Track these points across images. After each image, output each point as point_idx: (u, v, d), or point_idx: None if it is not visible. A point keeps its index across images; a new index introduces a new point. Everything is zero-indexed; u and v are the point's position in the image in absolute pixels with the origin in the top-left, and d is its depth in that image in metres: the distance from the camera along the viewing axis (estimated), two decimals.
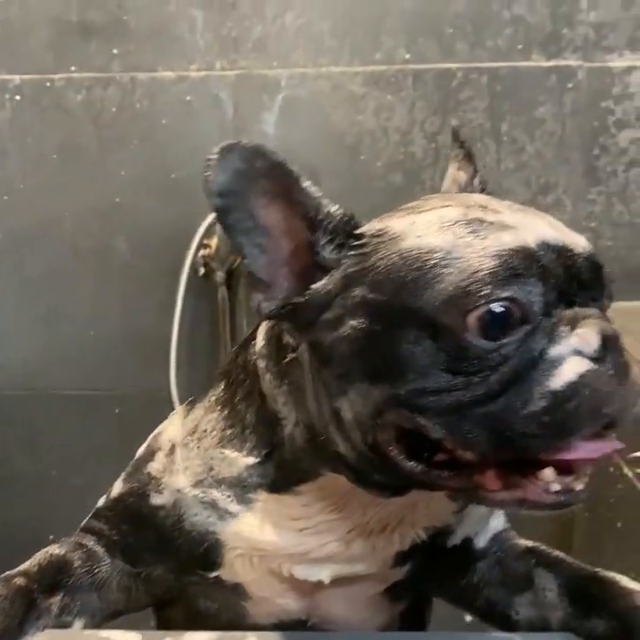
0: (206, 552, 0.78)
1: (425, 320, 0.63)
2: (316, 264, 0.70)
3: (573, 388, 0.61)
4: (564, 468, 0.63)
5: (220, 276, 1.62)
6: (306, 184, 0.70)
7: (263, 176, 0.68)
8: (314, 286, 0.70)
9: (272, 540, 0.76)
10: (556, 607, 0.77)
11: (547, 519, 1.70)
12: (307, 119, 1.58)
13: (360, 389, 0.66)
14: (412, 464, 0.65)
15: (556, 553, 0.82)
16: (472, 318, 0.62)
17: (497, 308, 0.62)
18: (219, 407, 0.79)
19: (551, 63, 1.52)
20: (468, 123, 1.55)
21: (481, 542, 0.81)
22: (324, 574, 0.76)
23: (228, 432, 0.78)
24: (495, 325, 0.62)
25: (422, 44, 1.53)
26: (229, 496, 0.77)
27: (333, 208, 0.70)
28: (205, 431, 0.79)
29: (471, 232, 0.65)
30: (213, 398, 0.80)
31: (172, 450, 0.81)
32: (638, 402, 0.64)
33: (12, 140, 1.60)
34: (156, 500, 0.79)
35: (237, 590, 0.80)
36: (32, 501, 1.76)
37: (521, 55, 1.53)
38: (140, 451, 0.85)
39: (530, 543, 0.83)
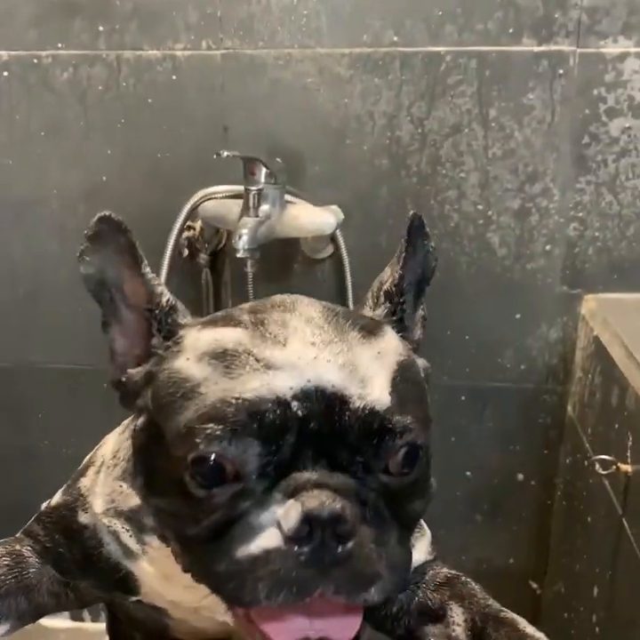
0: (124, 579, 0.78)
1: (169, 447, 0.63)
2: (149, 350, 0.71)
3: (254, 562, 0.59)
4: None
5: (203, 257, 1.62)
6: (146, 270, 0.71)
7: (124, 252, 0.71)
8: (130, 371, 0.72)
9: (163, 590, 0.76)
10: None
11: (526, 504, 1.71)
12: (292, 101, 1.56)
13: (136, 484, 0.70)
14: (179, 560, 0.67)
15: (472, 586, 0.82)
16: (189, 460, 0.61)
17: (209, 458, 0.60)
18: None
19: (542, 48, 1.48)
20: (455, 108, 1.52)
21: None
22: (227, 617, 0.75)
23: (130, 465, 0.76)
24: (207, 474, 0.61)
25: (410, 26, 1.50)
26: (128, 531, 0.77)
27: (165, 297, 0.71)
28: (119, 458, 0.79)
29: (226, 367, 0.63)
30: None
31: (100, 468, 0.81)
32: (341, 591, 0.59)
33: None
34: (82, 518, 0.80)
35: (159, 611, 0.81)
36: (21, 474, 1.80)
37: (511, 39, 1.49)
38: (86, 458, 0.85)
39: (451, 573, 0.83)
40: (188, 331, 0.69)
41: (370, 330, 0.68)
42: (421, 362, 0.77)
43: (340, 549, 0.58)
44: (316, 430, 0.60)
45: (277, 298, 0.70)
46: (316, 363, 0.62)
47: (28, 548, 0.82)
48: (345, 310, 0.70)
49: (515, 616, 0.77)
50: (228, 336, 0.65)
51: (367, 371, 0.63)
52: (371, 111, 1.55)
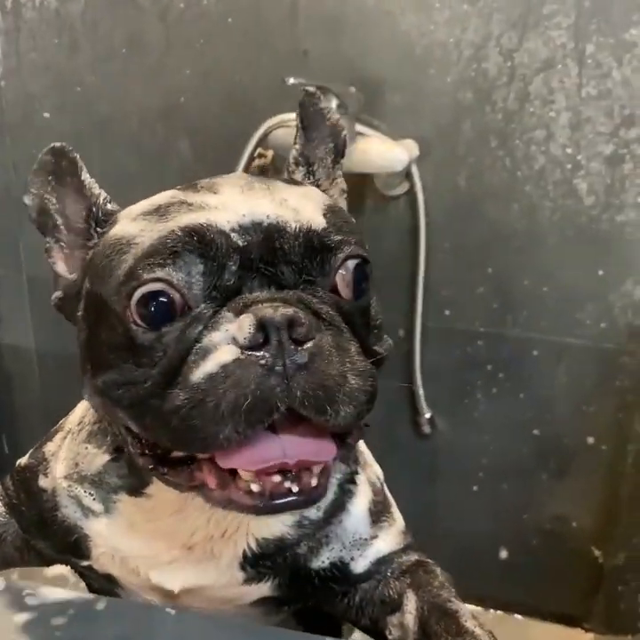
0: (76, 543, 0.79)
1: (110, 309, 0.62)
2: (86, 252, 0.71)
3: (213, 380, 0.56)
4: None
5: None
6: (85, 176, 0.73)
7: (63, 174, 0.72)
8: (70, 276, 0.72)
9: (127, 542, 0.76)
10: (413, 632, 0.74)
11: (595, 468, 1.62)
12: (375, 26, 1.47)
13: (87, 379, 0.67)
14: (144, 459, 0.65)
15: (433, 574, 0.80)
16: (133, 304, 0.60)
17: (152, 292, 0.59)
18: None
19: None
20: (549, 41, 1.40)
21: (359, 567, 0.79)
22: (175, 584, 0.76)
23: (96, 427, 0.78)
24: (154, 312, 0.59)
25: None
26: (92, 495, 0.77)
27: (103, 196, 0.73)
28: (85, 423, 0.80)
29: (161, 216, 0.63)
30: None
31: (67, 434, 0.82)
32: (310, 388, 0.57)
33: (83, 33, 1.60)
34: (42, 482, 0.81)
35: (110, 579, 0.81)
36: None
37: None
38: (61, 421, 0.87)
39: (413, 559, 0.80)
40: (121, 211, 0.71)
41: (293, 182, 0.73)
42: None
43: (298, 351, 0.57)
44: (258, 258, 0.61)
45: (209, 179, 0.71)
46: (249, 201, 0.64)
47: (0, 499, 0.86)
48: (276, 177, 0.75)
49: (461, 607, 0.73)
50: (160, 198, 0.67)
51: (298, 203, 0.66)
52: (457, 40, 1.45)
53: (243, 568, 0.76)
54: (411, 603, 0.76)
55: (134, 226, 0.64)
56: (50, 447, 0.83)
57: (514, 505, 1.68)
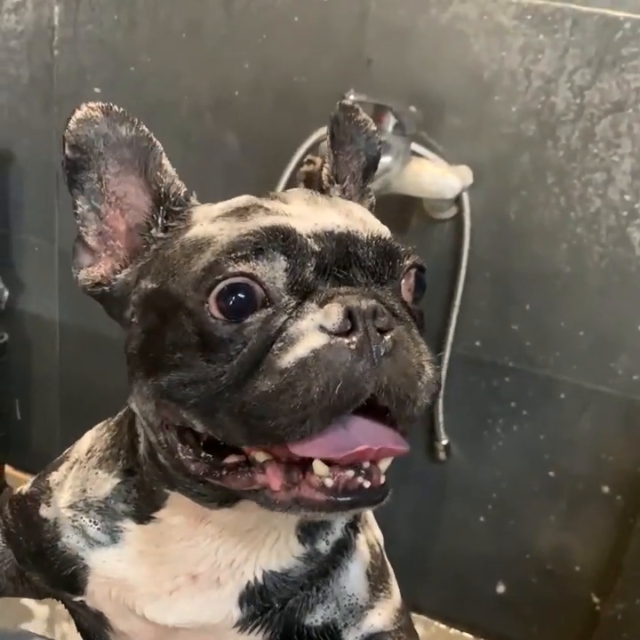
0: (73, 575, 0.77)
1: (182, 306, 0.62)
2: (144, 245, 0.69)
3: (303, 365, 0.57)
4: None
5: None
6: (165, 161, 0.71)
7: (126, 145, 0.69)
8: (119, 276, 0.70)
9: (131, 571, 0.74)
10: None
11: (606, 517, 1.59)
12: (444, 42, 1.42)
13: (138, 386, 0.66)
14: (196, 465, 0.63)
15: None
16: (212, 298, 0.60)
17: (234, 285, 0.60)
18: (114, 427, 0.78)
19: None
20: (623, 83, 1.35)
21: (351, 637, 0.76)
22: (170, 618, 0.73)
23: (108, 452, 0.77)
24: (235, 304, 0.60)
25: None
26: (97, 524, 0.75)
27: (182, 188, 0.71)
28: (95, 450, 0.78)
29: (240, 216, 0.64)
30: (118, 416, 0.78)
31: (74, 464, 0.80)
32: (403, 381, 0.58)
33: (144, 12, 1.55)
34: (43, 511, 0.79)
35: (101, 618, 0.79)
36: None
37: None
38: (65, 451, 0.84)
39: None
40: (197, 208, 0.70)
41: (347, 199, 0.74)
42: None
43: (383, 339, 0.58)
44: (332, 262, 0.62)
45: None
46: (318, 213, 0.65)
47: None
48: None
49: None
50: (238, 201, 0.67)
51: (362, 215, 0.68)
52: (528, 69, 1.40)
53: (241, 604, 0.74)
54: None
55: (214, 226, 0.65)
56: (54, 477, 0.81)
57: (518, 541, 1.67)
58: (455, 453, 1.64)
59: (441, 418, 1.60)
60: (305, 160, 1.49)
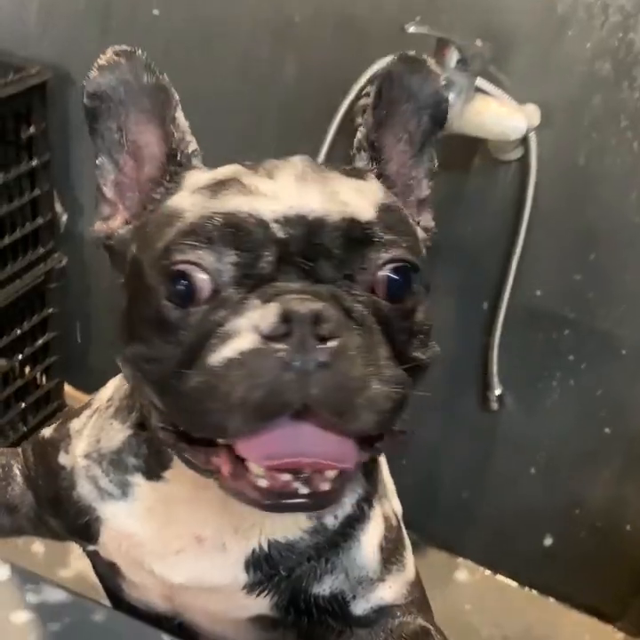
0: (87, 525, 0.77)
1: (146, 281, 0.61)
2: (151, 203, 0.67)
3: (228, 366, 0.55)
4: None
5: None
6: (179, 114, 0.69)
7: (147, 95, 0.67)
8: (121, 231, 0.68)
9: (139, 528, 0.74)
10: None
11: None
12: None
13: (120, 351, 0.65)
14: (165, 433, 0.63)
15: None
16: (165, 280, 0.59)
17: (182, 271, 0.58)
18: None
19: None
20: None
21: (359, 608, 0.75)
22: (178, 576, 0.73)
23: (124, 403, 0.76)
24: (184, 291, 0.58)
25: None
26: (108, 476, 0.75)
27: (192, 146, 0.69)
28: (114, 399, 0.77)
29: (213, 192, 0.61)
30: None
31: (95, 412, 0.79)
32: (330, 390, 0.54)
33: None
34: (62, 459, 0.79)
35: (114, 568, 0.79)
36: None
37: None
38: (89, 398, 0.84)
39: (417, 624, 0.75)
40: (191, 172, 0.67)
41: (353, 173, 0.67)
42: (425, 218, 0.74)
43: (321, 348, 0.54)
44: (296, 252, 0.59)
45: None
46: (300, 193, 0.61)
47: (19, 467, 0.84)
48: (337, 164, 0.69)
49: None
50: (224, 171, 0.65)
51: (348, 196, 0.62)
52: (606, 3, 1.29)
53: (247, 569, 0.73)
54: None
55: (190, 199, 0.63)
56: (75, 424, 0.81)
57: (568, 496, 1.62)
58: (509, 404, 1.59)
59: (495, 368, 1.55)
60: (363, 93, 1.43)
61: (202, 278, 0.58)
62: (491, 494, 1.70)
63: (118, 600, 0.84)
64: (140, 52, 0.67)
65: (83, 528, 0.77)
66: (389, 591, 0.76)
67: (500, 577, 1.75)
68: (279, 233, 0.58)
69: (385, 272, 0.60)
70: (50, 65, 1.62)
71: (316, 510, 0.60)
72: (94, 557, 0.82)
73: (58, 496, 0.79)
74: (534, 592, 1.74)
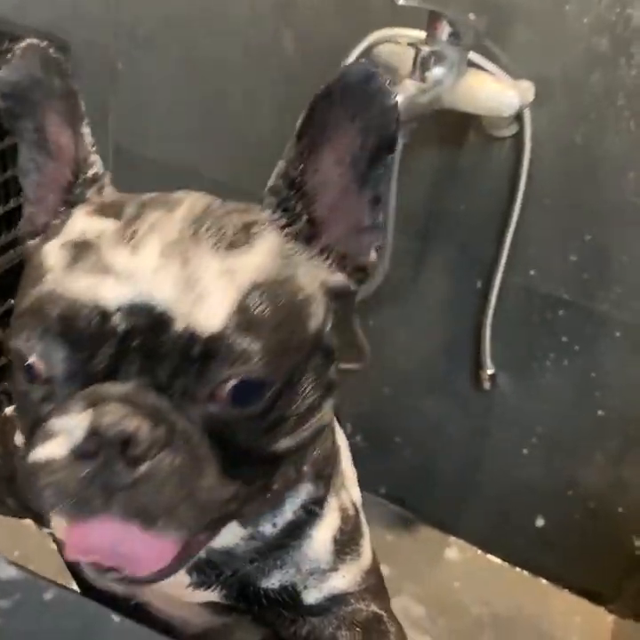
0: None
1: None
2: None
3: (38, 467, 0.56)
4: None
5: None
6: (85, 129, 0.66)
7: (58, 97, 0.64)
8: (29, 243, 0.67)
9: None
10: None
11: None
12: None
13: None
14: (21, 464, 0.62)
15: (389, 637, 0.75)
16: (14, 353, 0.58)
17: (21, 352, 0.58)
18: None
19: None
20: None
21: (311, 598, 0.75)
22: None
23: None
24: (24, 368, 0.58)
25: None
26: None
27: (93, 169, 0.66)
28: None
29: (73, 258, 0.58)
30: None
31: None
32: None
33: None
34: (18, 438, 0.78)
35: None
36: None
37: None
38: None
39: (370, 611, 0.75)
40: (78, 210, 0.64)
41: (236, 239, 0.60)
42: (364, 249, 0.67)
43: (126, 473, 0.54)
44: (138, 347, 0.56)
45: (177, 194, 0.65)
46: (154, 276, 0.56)
47: None
48: (231, 210, 0.64)
49: None
50: (97, 227, 0.60)
51: (210, 286, 0.57)
52: None
53: (190, 573, 0.73)
54: None
55: (56, 256, 0.60)
56: None
57: (561, 478, 1.61)
58: (502, 384, 1.58)
59: (488, 347, 1.53)
60: None
61: (37, 362, 0.57)
62: (485, 474, 1.69)
63: (80, 579, 0.84)
64: (51, 50, 0.64)
65: (36, 511, 0.77)
66: (343, 580, 0.76)
67: (491, 556, 1.75)
68: (121, 325, 0.55)
69: (229, 385, 0.57)
70: (48, 33, 1.60)
71: (151, 582, 0.61)
72: (53, 538, 0.83)
73: (13, 476, 0.78)
74: (525, 573, 1.73)
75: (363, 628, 0.75)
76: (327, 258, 0.66)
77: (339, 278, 0.66)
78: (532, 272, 1.47)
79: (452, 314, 1.56)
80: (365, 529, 0.81)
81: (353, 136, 0.63)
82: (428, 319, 1.59)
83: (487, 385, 1.57)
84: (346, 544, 0.77)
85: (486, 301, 1.49)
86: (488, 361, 1.54)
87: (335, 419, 0.79)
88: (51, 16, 1.65)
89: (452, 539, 1.76)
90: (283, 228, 0.64)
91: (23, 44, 0.63)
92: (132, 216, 0.60)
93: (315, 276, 0.64)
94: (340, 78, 0.62)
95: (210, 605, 0.77)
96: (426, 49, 1.24)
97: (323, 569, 0.75)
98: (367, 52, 1.37)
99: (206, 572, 0.73)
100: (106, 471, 0.54)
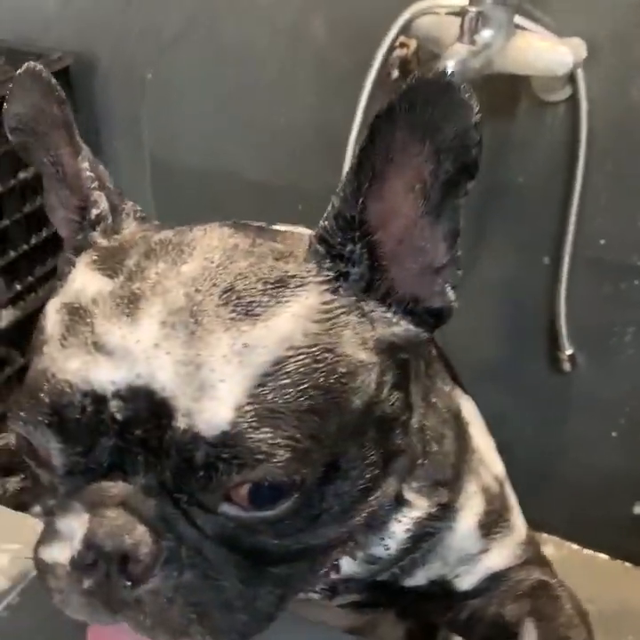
0: None
1: None
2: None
3: (46, 568, 0.52)
4: None
5: None
6: (84, 165, 0.60)
7: (60, 127, 0.59)
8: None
9: None
10: None
11: None
12: None
13: None
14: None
15: (556, 604, 0.70)
16: (17, 435, 0.55)
17: (21, 435, 0.53)
18: None
19: None
20: None
21: (465, 584, 0.70)
22: None
23: None
24: (34, 454, 0.53)
25: None
26: None
27: (95, 210, 0.60)
28: None
29: (67, 330, 0.51)
30: None
31: None
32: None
33: None
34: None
35: None
36: None
37: None
38: None
39: (542, 580, 0.71)
40: (81, 260, 0.58)
41: (260, 301, 0.51)
42: (438, 290, 0.57)
43: (127, 591, 0.49)
44: (140, 439, 0.49)
45: (194, 233, 0.57)
46: (155, 352, 0.49)
47: None
48: (262, 255, 0.54)
49: None
50: (93, 287, 0.54)
51: (213, 374, 0.48)
52: None
53: (319, 592, 0.68)
54: (530, 635, 0.68)
55: (53, 322, 0.54)
56: None
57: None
58: (581, 364, 1.48)
59: (564, 326, 1.45)
60: (397, 43, 1.34)
61: (39, 449, 0.53)
62: (569, 464, 1.60)
63: None
64: (45, 74, 0.58)
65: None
66: (498, 559, 0.71)
67: (587, 551, 1.65)
68: (118, 413, 0.49)
69: (245, 488, 0.49)
70: (71, 51, 1.59)
71: None
72: None
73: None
74: (627, 564, 1.63)
75: (530, 595, 0.70)
76: (390, 306, 0.56)
77: (404, 327, 0.57)
78: (601, 241, 1.39)
79: (520, 295, 1.48)
80: (513, 501, 0.75)
81: (424, 160, 0.52)
82: (491, 302, 1.50)
83: (567, 366, 1.48)
84: (493, 524, 0.71)
85: (557, 277, 1.41)
86: (566, 341, 1.45)
87: (457, 387, 0.74)
88: (74, 33, 1.63)
89: (545, 536, 1.67)
90: (329, 281, 0.54)
91: (21, 70, 0.59)
92: (133, 271, 0.53)
93: (367, 336, 0.54)
94: (408, 92, 0.50)
95: (351, 605, 0.73)
96: (473, 10, 1.19)
97: (471, 554, 0.69)
98: (407, 27, 1.31)
99: (339, 588, 0.68)
100: (106, 586, 0.49)
